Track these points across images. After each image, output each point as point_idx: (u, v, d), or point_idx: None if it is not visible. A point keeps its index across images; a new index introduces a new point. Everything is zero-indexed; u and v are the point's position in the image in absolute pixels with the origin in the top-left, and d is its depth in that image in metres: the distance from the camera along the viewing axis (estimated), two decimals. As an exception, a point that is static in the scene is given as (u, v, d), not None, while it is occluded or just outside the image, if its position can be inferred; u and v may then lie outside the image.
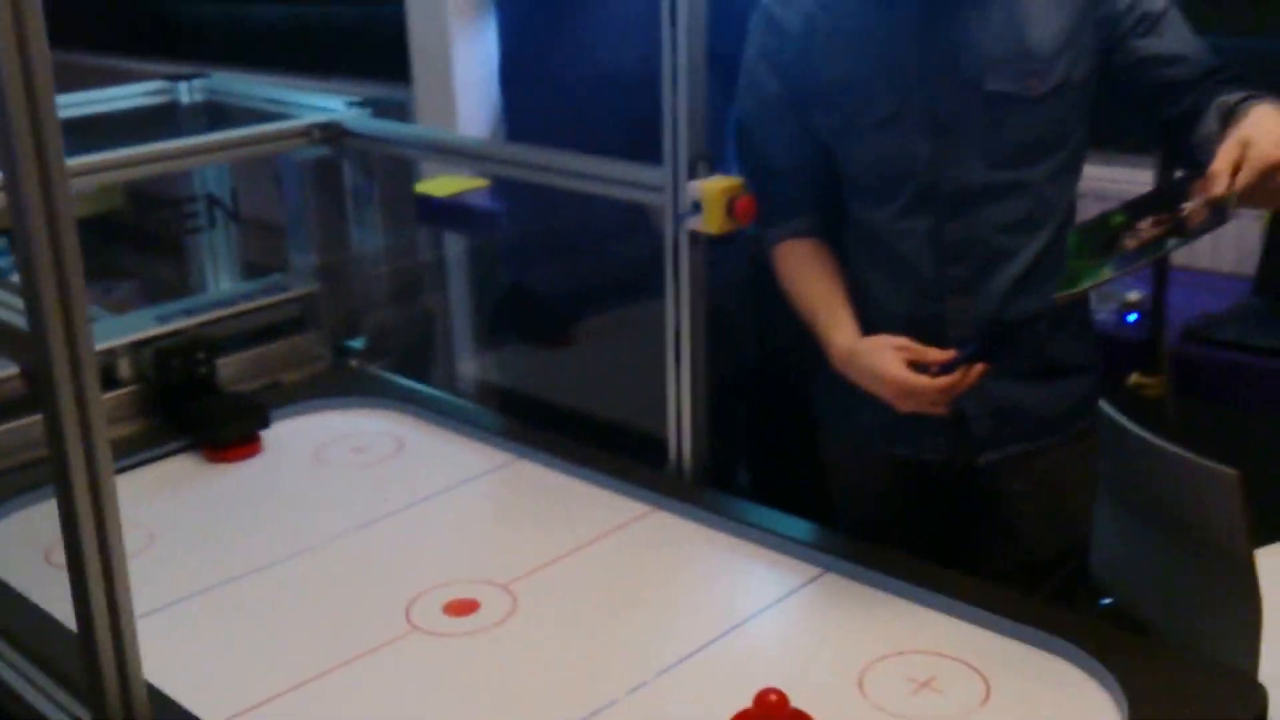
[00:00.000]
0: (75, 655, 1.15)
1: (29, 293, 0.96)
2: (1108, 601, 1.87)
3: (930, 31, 1.53)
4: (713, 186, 1.60)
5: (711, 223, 1.60)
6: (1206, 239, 2.56)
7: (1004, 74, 1.52)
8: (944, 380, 1.45)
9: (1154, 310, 2.19)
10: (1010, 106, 1.53)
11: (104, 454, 1.03)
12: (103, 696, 1.12)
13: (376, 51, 3.71)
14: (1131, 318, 2.31)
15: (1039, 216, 1.57)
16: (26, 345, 0.98)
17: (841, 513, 1.80)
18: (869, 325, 1.57)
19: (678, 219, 1.63)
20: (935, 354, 1.47)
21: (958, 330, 1.58)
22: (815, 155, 1.63)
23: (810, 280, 1.62)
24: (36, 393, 1.00)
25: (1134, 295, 2.33)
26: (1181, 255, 2.46)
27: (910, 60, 1.54)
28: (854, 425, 1.72)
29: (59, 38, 0.97)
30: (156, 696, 1.24)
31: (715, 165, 1.64)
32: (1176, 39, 1.53)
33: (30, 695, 1.33)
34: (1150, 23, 1.52)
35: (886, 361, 1.47)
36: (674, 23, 1.55)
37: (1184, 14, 1.56)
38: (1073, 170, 1.60)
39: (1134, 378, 2.18)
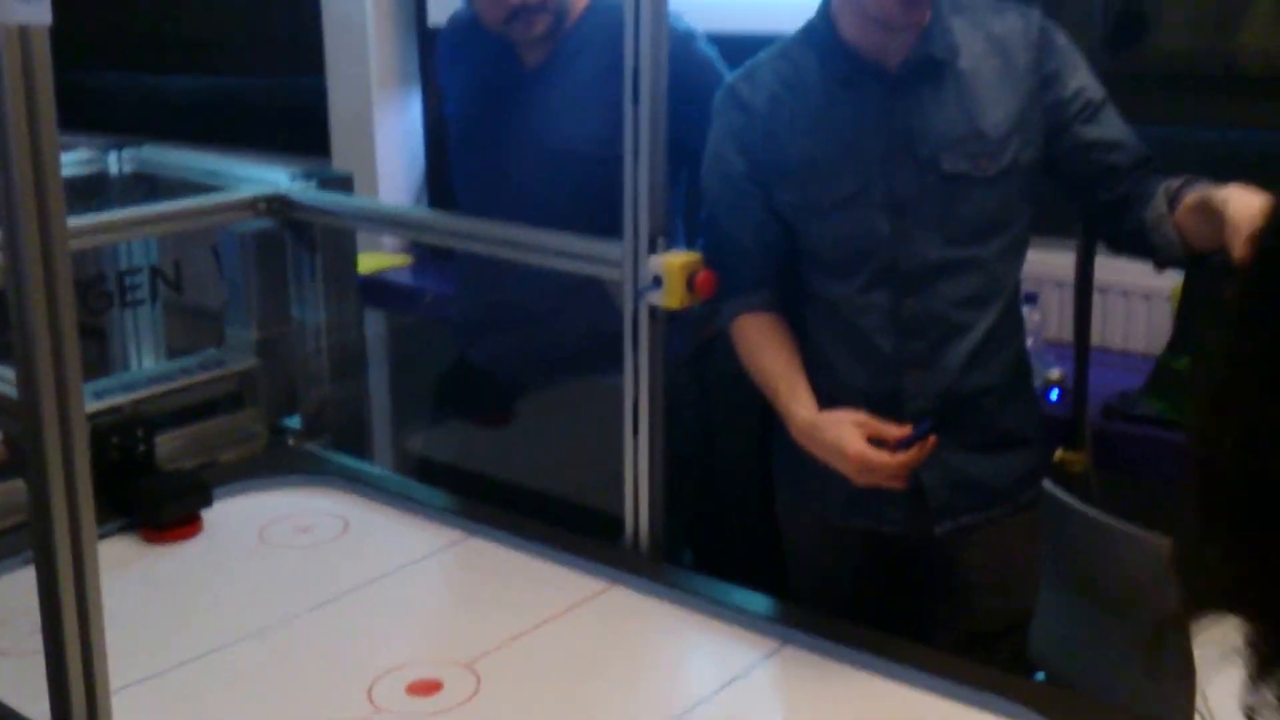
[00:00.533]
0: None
1: (23, 360, 0.93)
2: (1041, 676, 1.91)
3: (890, 114, 1.59)
4: (673, 261, 1.61)
5: (672, 297, 1.61)
6: (1120, 321, 2.69)
7: (959, 155, 1.58)
8: (903, 456, 1.48)
9: (1076, 388, 2.24)
10: (964, 186, 1.58)
11: (89, 527, 1.00)
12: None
13: (294, 125, 3.67)
14: (1053, 395, 2.36)
15: (990, 292, 1.63)
16: (16, 413, 0.94)
17: (800, 585, 1.81)
18: (827, 398, 1.59)
19: (637, 293, 1.64)
20: (894, 430, 1.50)
21: (915, 404, 1.62)
22: (777, 231, 1.66)
23: (770, 354, 1.64)
24: (22, 462, 0.97)
25: (1055, 373, 2.38)
26: (1096, 335, 2.55)
27: (871, 141, 1.59)
28: (814, 500, 1.73)
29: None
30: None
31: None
32: (1114, 127, 1.61)
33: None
34: (1092, 110, 1.60)
35: (848, 436, 1.50)
36: (636, 100, 1.58)
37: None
38: (1019, 249, 1.66)
39: (1059, 454, 2.23)
